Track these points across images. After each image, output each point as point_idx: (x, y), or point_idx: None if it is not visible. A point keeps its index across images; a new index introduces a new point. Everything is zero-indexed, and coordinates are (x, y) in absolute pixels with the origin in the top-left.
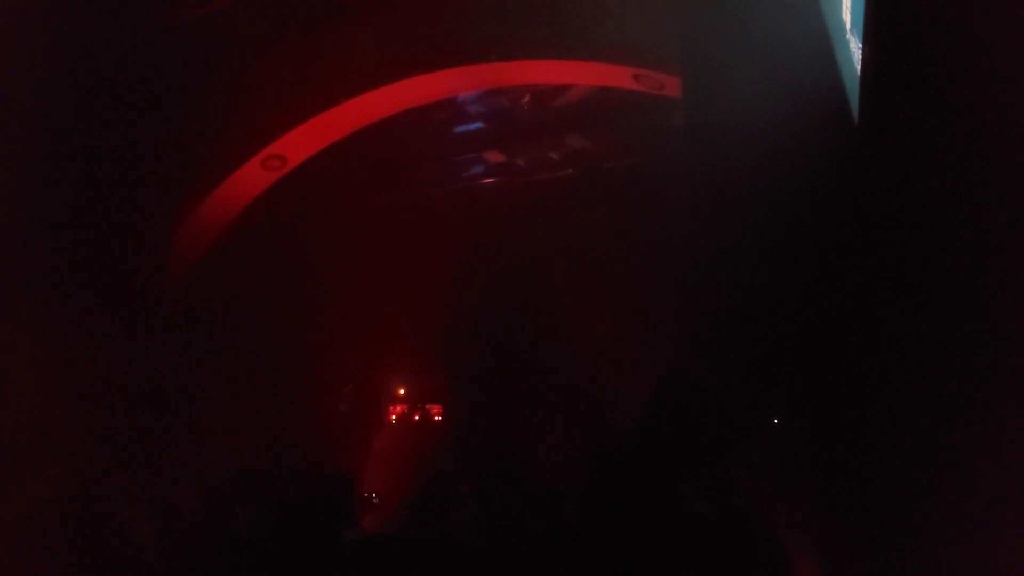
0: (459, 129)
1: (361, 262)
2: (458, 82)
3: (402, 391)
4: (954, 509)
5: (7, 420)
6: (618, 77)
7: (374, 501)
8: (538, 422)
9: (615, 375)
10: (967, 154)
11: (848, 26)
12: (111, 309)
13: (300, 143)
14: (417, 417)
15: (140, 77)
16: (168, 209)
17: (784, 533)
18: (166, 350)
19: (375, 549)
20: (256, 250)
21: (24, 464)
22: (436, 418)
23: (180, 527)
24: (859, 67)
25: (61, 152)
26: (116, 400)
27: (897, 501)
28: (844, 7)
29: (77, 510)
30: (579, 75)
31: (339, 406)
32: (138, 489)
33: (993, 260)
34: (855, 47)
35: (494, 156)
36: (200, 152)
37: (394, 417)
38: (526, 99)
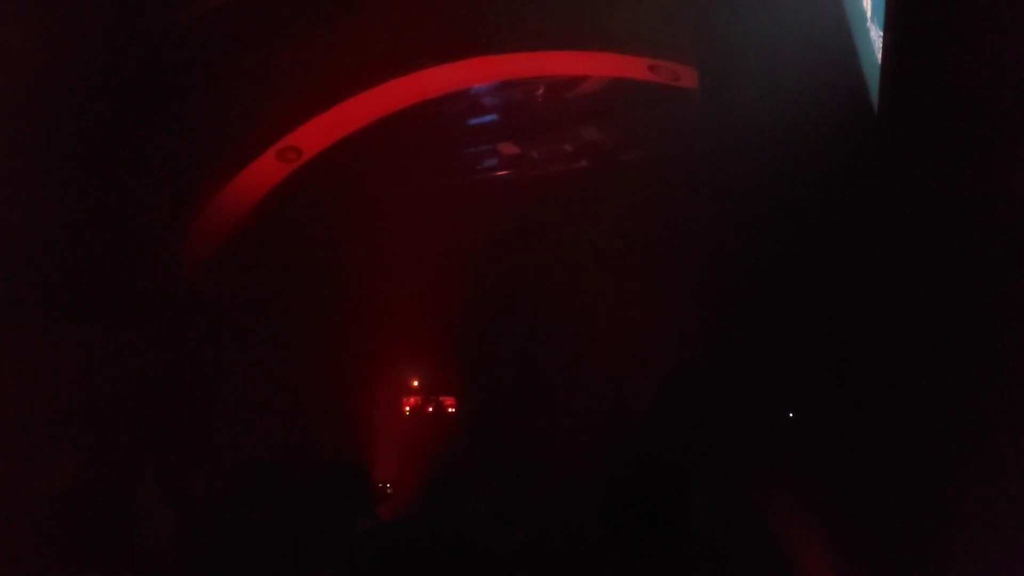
0: (473, 121)
1: (376, 253)
2: (472, 74)
3: (416, 383)
4: (967, 509)
5: (26, 411)
6: (633, 68)
7: (388, 491)
8: (552, 415)
9: (629, 369)
10: (988, 144)
11: (868, 14)
12: (127, 300)
13: (315, 135)
14: (431, 409)
15: (156, 69)
16: (184, 201)
17: (796, 530)
18: (181, 342)
19: (389, 538)
20: (271, 241)
21: (42, 454)
22: (450, 410)
23: (197, 517)
24: (879, 56)
25: (78, 144)
26: (132, 391)
27: (910, 500)
28: None
29: (94, 501)
30: (594, 66)
31: (354, 398)
32: (155, 480)
33: (1017, 253)
34: (875, 35)
35: (508, 148)
36: (216, 144)
37: (408, 409)
38: (540, 91)
